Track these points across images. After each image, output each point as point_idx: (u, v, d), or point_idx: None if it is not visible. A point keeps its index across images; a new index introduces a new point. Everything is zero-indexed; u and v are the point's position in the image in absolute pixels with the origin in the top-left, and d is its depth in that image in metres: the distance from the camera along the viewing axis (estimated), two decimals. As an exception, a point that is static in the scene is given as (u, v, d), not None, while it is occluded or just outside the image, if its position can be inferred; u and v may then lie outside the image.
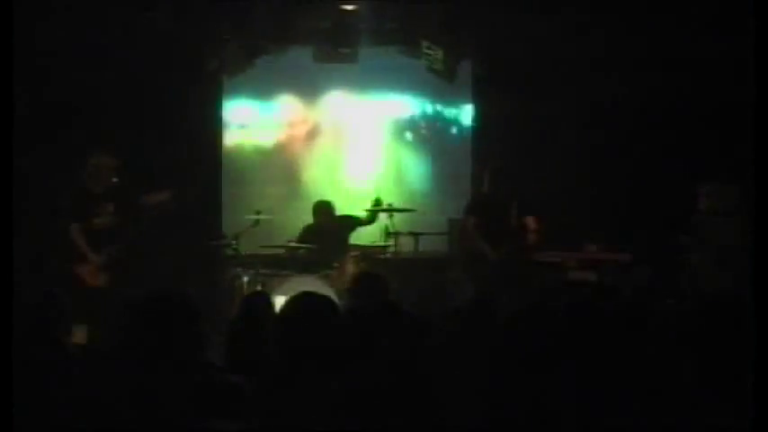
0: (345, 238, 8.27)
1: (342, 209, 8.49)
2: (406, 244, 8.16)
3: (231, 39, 8.64)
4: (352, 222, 8.36)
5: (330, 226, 8.24)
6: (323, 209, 8.31)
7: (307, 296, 3.30)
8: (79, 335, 5.82)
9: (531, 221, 7.35)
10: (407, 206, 8.51)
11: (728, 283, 7.65)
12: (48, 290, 3.97)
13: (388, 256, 8.10)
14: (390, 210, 8.11)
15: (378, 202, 8.18)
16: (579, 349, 3.13)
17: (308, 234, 8.23)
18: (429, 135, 9.77)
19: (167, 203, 6.99)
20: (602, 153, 8.78)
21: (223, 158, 9.52)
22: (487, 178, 7.62)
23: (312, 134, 9.70)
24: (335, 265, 7.85)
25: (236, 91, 9.46)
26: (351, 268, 7.76)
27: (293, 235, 8.24)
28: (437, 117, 9.77)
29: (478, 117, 9.59)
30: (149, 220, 6.94)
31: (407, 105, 9.72)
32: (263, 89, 9.54)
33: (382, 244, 8.14)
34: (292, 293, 3.29)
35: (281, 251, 8.07)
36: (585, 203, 8.48)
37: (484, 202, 7.58)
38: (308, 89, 9.59)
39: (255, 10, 8.56)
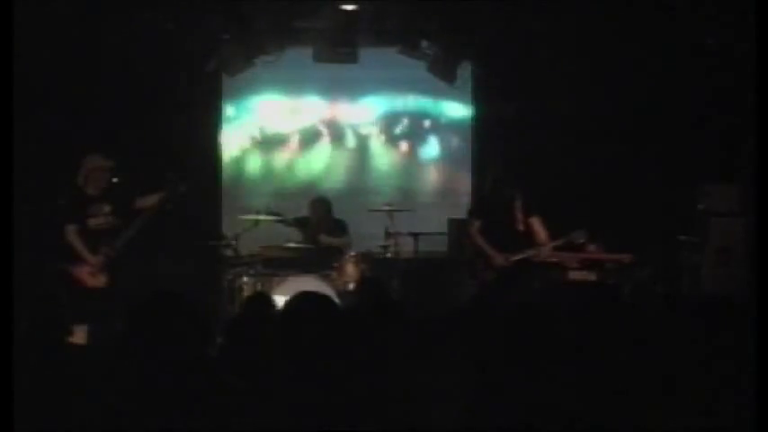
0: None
1: (340, 209, 8.47)
2: (406, 244, 8.16)
3: (231, 39, 8.65)
4: (344, 228, 8.30)
5: (326, 224, 8.21)
6: (320, 206, 8.29)
7: (306, 296, 3.30)
8: (79, 335, 5.83)
9: (536, 222, 7.33)
10: (407, 206, 8.51)
11: (728, 283, 7.66)
12: (48, 290, 3.97)
13: (388, 256, 8.10)
14: (390, 210, 8.11)
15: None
16: (579, 349, 3.13)
17: (303, 228, 8.22)
18: (429, 135, 9.77)
19: (163, 204, 6.98)
20: (603, 153, 8.78)
21: (223, 158, 9.52)
22: (490, 179, 7.58)
23: (312, 134, 9.71)
24: (335, 264, 7.85)
25: (237, 91, 9.46)
26: (350, 268, 7.76)
27: (293, 235, 8.24)
28: (437, 117, 9.76)
29: (478, 117, 9.59)
30: (147, 221, 6.93)
31: (407, 106, 9.72)
32: (264, 89, 9.54)
33: (382, 244, 8.14)
34: (292, 293, 3.29)
35: (281, 251, 8.07)
36: (585, 203, 8.47)
37: (488, 203, 7.54)
38: (308, 89, 9.59)
39: (255, 10, 8.57)
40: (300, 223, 8.27)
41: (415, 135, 9.77)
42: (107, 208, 6.83)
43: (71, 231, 6.73)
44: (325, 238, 8.08)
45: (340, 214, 8.40)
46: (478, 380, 2.99)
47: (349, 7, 8.68)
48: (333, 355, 3.00)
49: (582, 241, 7.32)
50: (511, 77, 9.00)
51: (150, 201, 6.96)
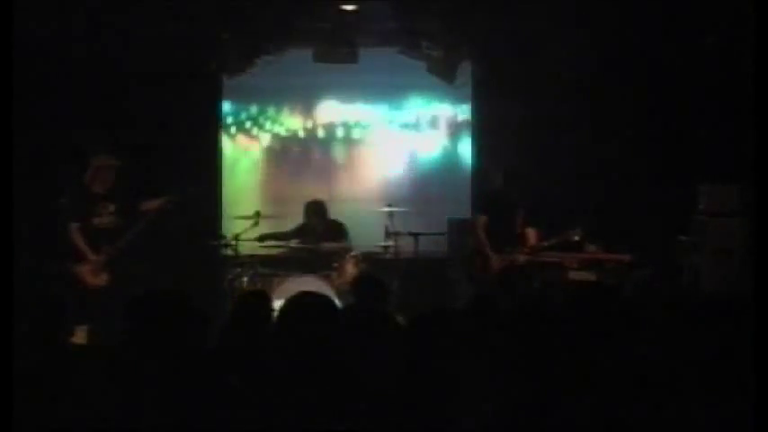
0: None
1: (337, 211, 8.45)
2: (406, 244, 8.16)
3: (231, 39, 8.64)
4: (342, 231, 8.27)
5: (321, 228, 8.18)
6: (315, 209, 8.25)
7: (306, 296, 3.30)
8: (79, 335, 5.83)
9: (531, 235, 7.39)
10: (407, 207, 8.50)
11: (728, 284, 7.66)
12: (48, 290, 3.96)
13: (388, 256, 8.10)
14: (390, 210, 8.11)
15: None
16: (579, 349, 3.13)
17: (303, 235, 8.20)
18: (429, 135, 9.77)
19: (165, 207, 7.00)
20: (602, 153, 8.77)
21: (223, 158, 9.51)
22: (500, 178, 7.64)
23: (311, 135, 9.70)
24: (335, 265, 7.85)
25: (237, 91, 9.46)
26: (350, 268, 7.76)
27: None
28: (437, 117, 9.76)
29: (479, 117, 9.59)
30: (149, 221, 6.95)
31: (407, 106, 9.71)
32: (263, 89, 9.54)
33: (382, 244, 8.15)
34: (292, 293, 3.29)
35: (281, 251, 8.07)
36: (585, 203, 8.47)
37: (495, 201, 7.59)
38: (308, 89, 9.59)
39: (255, 10, 8.56)
40: (299, 232, 8.22)
41: (415, 135, 9.76)
42: (112, 207, 6.85)
43: (74, 229, 6.74)
44: (326, 245, 8.05)
45: (339, 215, 8.40)
46: (477, 379, 2.99)
47: (349, 7, 8.68)
48: (332, 354, 3.00)
49: (577, 238, 7.36)
50: (511, 77, 8.99)
51: (155, 203, 6.99)
